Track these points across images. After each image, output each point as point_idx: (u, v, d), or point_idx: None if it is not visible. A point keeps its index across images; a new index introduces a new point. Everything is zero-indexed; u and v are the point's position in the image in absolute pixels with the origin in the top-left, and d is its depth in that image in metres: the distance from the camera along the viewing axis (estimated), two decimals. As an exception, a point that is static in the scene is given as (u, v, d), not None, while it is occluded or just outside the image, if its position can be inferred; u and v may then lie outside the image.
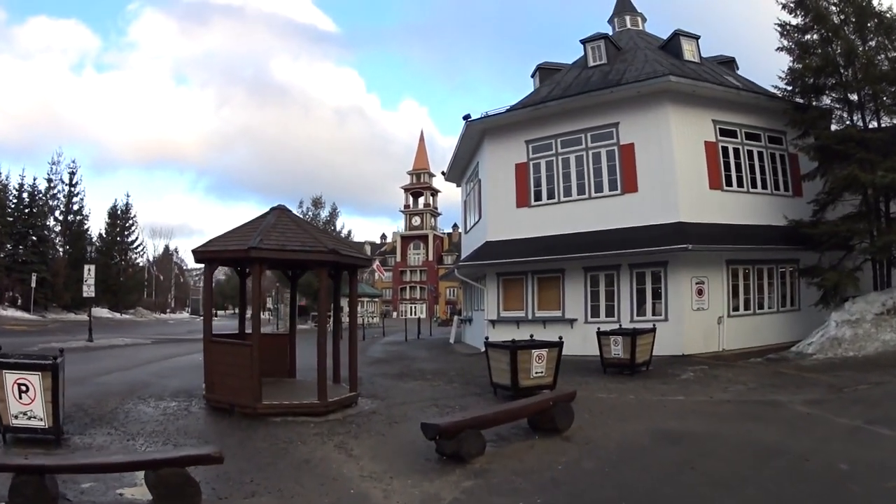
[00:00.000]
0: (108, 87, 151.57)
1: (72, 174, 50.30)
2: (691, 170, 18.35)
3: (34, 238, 45.61)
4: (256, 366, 9.56)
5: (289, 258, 9.57)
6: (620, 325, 16.57)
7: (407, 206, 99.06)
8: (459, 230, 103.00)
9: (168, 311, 75.25)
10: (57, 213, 49.73)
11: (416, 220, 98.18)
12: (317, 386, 9.89)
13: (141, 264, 64.67)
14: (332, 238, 10.49)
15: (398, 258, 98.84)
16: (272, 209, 10.79)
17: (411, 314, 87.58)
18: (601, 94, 19.07)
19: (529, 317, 19.33)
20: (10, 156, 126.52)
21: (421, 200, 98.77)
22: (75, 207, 50.49)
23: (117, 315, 52.19)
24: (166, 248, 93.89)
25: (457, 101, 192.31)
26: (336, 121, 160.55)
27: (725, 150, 19.08)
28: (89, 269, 26.78)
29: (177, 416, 9.70)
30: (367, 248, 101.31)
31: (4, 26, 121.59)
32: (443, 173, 27.92)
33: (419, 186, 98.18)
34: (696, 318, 17.62)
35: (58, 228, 49.56)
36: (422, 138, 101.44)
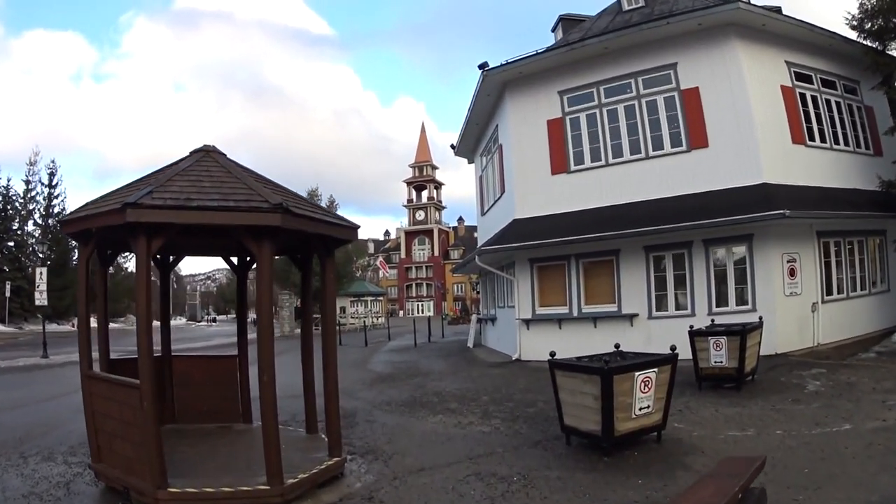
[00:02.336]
0: (106, 96, 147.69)
1: (51, 175, 46.22)
2: (771, 120, 14.19)
3: (10, 244, 41.20)
4: (151, 422, 5.12)
5: (200, 222, 4.98)
6: (714, 322, 11.98)
7: (410, 201, 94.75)
8: (465, 223, 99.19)
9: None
10: (36, 216, 45.46)
11: (420, 215, 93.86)
12: (274, 447, 5.36)
13: (131, 269, 60.14)
14: (287, 192, 5.90)
15: (403, 255, 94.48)
16: (193, 151, 6.27)
17: (418, 312, 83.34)
18: (654, 27, 14.47)
19: (574, 313, 14.77)
20: (13, 169, 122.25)
21: (424, 194, 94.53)
22: (56, 210, 46.08)
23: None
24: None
25: (453, 98, 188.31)
26: (334, 120, 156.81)
27: (803, 97, 15.03)
28: (41, 273, 22.63)
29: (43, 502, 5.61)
30: (370, 246, 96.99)
31: (3, 39, 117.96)
32: (452, 147, 23.29)
33: (422, 179, 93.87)
34: (789, 305, 13.48)
35: (38, 233, 45.20)
36: (423, 131, 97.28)
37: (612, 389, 6.24)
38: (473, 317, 23.72)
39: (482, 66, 16.27)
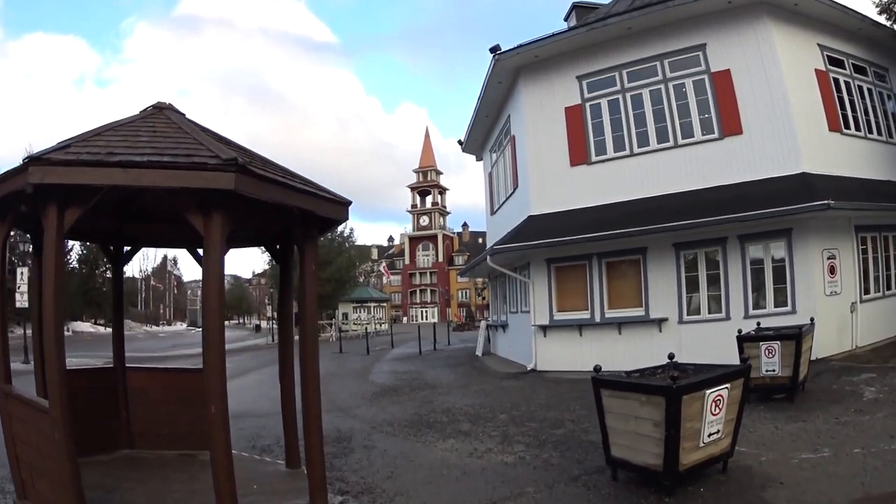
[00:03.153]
0: (110, 100, 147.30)
1: None
2: (807, 105, 12.92)
3: None
4: (65, 458, 3.78)
5: (124, 183, 3.51)
6: (760, 325, 10.54)
7: (414, 206, 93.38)
8: (470, 229, 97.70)
9: (162, 323, 69.75)
10: None
11: (425, 220, 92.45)
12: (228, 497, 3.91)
13: (128, 273, 58.82)
14: (255, 155, 4.43)
15: (406, 260, 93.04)
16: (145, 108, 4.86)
17: (422, 319, 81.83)
18: (681, 3, 13.05)
19: (597, 318, 13.29)
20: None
21: (429, 199, 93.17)
22: None
23: (101, 329, 46.35)
24: (164, 257, 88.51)
25: (455, 104, 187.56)
26: (337, 126, 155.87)
27: (837, 82, 13.79)
28: (21, 273, 21.18)
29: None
30: (374, 252, 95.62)
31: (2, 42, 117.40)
32: (459, 143, 21.87)
33: (426, 185, 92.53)
34: (829, 305, 12.09)
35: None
36: (427, 136, 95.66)
37: (679, 413, 4.77)
38: (482, 323, 22.17)
39: (494, 50, 14.87)
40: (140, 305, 67.33)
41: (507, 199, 17.17)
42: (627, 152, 13.90)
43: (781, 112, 12.55)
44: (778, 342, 8.72)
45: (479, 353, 19.38)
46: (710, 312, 12.64)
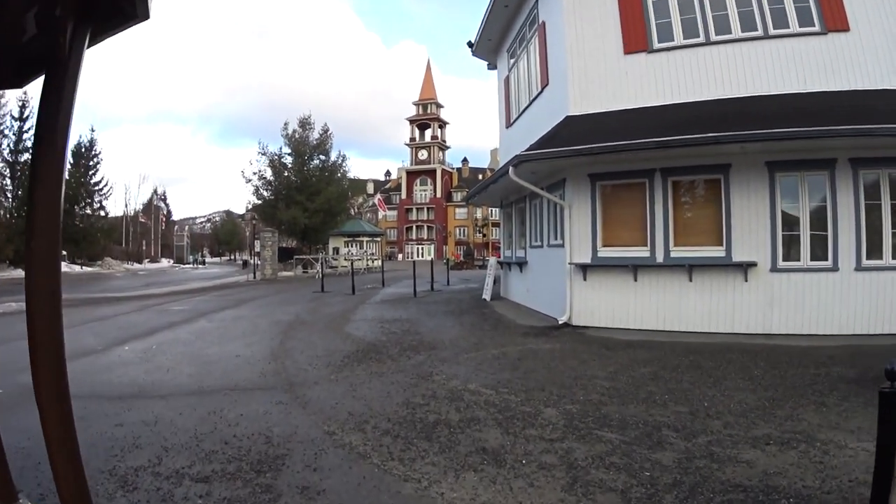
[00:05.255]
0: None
1: (22, 107, 39.56)
2: None
3: None
4: None
5: None
6: None
7: (413, 139, 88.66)
8: (470, 165, 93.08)
9: (146, 260, 66.16)
10: (6, 152, 39.36)
11: (423, 154, 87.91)
12: None
13: (107, 210, 54.58)
14: None
15: (403, 195, 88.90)
16: None
17: (418, 256, 78.39)
18: None
19: (658, 258, 9.60)
20: None
21: (428, 133, 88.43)
22: (28, 144, 39.90)
23: (76, 268, 42.73)
24: (154, 192, 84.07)
25: (455, 42, 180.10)
26: (336, 62, 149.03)
27: None
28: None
29: None
30: (370, 186, 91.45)
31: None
32: (469, 45, 17.69)
33: (426, 118, 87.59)
34: None
35: (6, 171, 39.29)
36: (428, 68, 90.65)
37: None
38: (491, 260, 17.96)
39: None
40: (124, 243, 63.51)
41: (532, 102, 13.21)
42: (701, 40, 10.06)
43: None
44: None
45: (486, 296, 15.79)
46: (812, 259, 9.07)
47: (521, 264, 13.64)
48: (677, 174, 9.58)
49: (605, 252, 9.93)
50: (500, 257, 16.61)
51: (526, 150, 10.06)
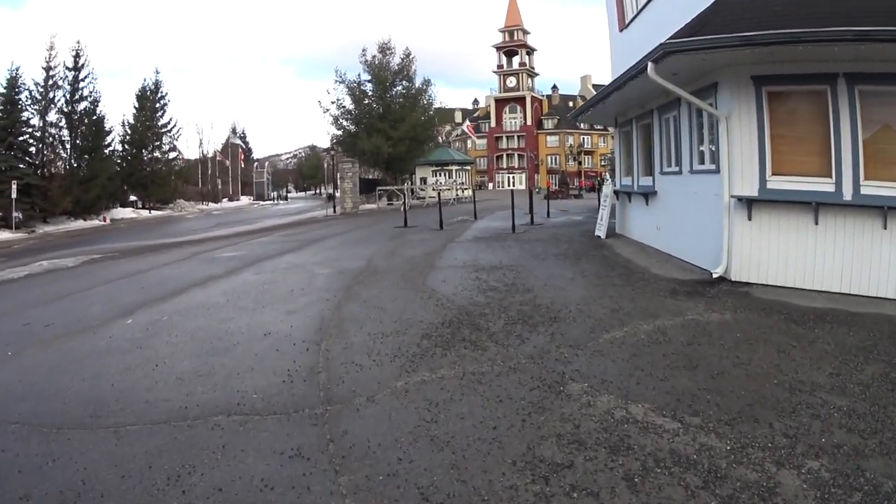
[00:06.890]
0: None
1: (76, 56, 38.35)
2: None
3: (22, 139, 34.85)
4: None
5: None
6: None
7: (500, 67, 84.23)
8: (559, 92, 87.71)
9: (224, 199, 66.93)
10: (61, 102, 38.66)
11: (511, 81, 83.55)
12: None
13: (179, 151, 54.55)
14: None
15: (492, 123, 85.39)
16: None
17: (508, 185, 75.73)
18: None
19: (845, 194, 6.87)
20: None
21: (515, 60, 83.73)
22: (86, 93, 38.61)
23: (143, 213, 43.03)
24: (232, 129, 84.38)
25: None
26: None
27: None
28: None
29: None
30: (458, 115, 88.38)
31: None
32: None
33: (513, 44, 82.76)
34: None
35: (62, 122, 38.81)
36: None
37: None
38: (607, 187, 14.70)
39: None
40: (200, 183, 64.11)
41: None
42: None
43: None
44: None
45: (599, 233, 13.43)
46: None
47: (648, 195, 11.11)
48: (868, 81, 6.74)
49: (774, 182, 7.34)
50: (615, 185, 14.00)
51: (678, 35, 7.40)
